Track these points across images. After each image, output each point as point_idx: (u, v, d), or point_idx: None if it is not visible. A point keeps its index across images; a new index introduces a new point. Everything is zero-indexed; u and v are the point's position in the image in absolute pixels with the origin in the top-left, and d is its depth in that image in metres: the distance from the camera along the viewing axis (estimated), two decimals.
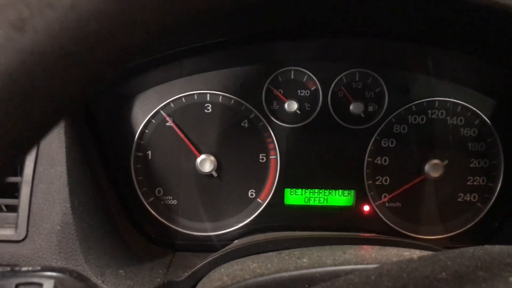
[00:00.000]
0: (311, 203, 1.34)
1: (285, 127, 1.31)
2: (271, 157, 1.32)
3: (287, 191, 1.34)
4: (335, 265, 0.80)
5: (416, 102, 1.31)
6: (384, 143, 1.33)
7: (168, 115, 1.28)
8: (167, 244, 1.31)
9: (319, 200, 1.34)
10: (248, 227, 1.34)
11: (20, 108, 0.34)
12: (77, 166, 1.03)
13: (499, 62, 1.20)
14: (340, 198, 1.34)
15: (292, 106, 1.29)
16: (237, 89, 1.29)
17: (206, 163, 1.27)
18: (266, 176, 1.33)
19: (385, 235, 1.25)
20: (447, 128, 1.32)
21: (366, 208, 1.35)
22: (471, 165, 1.34)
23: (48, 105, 0.36)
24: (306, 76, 1.30)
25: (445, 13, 0.99)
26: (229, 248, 1.03)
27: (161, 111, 1.28)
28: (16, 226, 0.96)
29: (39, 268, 0.67)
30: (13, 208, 0.99)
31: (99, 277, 0.95)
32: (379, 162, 1.34)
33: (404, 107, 1.31)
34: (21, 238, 0.95)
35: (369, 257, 0.86)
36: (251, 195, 1.33)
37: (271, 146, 1.32)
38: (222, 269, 0.91)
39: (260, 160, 1.32)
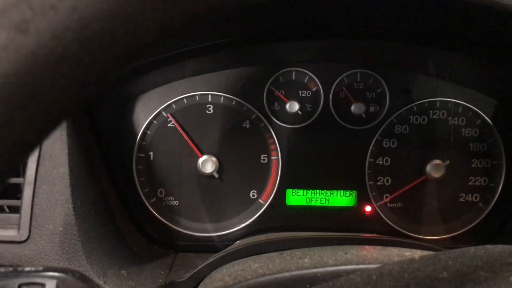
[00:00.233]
0: (313, 203, 1.34)
1: (286, 128, 1.31)
2: (272, 157, 1.32)
3: (289, 191, 1.34)
4: (336, 265, 0.80)
5: (417, 103, 1.31)
6: (386, 144, 1.33)
7: (171, 115, 1.28)
8: (169, 245, 1.31)
9: (321, 200, 1.34)
10: (250, 227, 1.34)
11: (22, 110, 0.34)
12: (79, 167, 1.03)
13: (500, 62, 1.20)
14: (341, 198, 1.34)
15: (293, 106, 1.29)
16: (238, 90, 1.29)
17: (207, 164, 1.28)
18: (267, 177, 1.33)
19: (386, 235, 1.26)
20: (448, 129, 1.32)
21: (368, 208, 1.35)
22: (473, 165, 1.34)
23: (50, 106, 0.36)
24: (307, 77, 1.30)
25: (446, 13, 1.00)
26: (230, 249, 1.03)
27: (163, 112, 1.28)
28: (18, 227, 0.96)
29: (41, 268, 0.67)
30: (16, 209, 0.99)
31: (101, 278, 0.95)
32: (380, 162, 1.34)
33: (405, 108, 1.31)
34: (23, 239, 0.95)
35: (370, 257, 0.86)
36: (253, 196, 1.33)
37: (272, 147, 1.32)
38: (224, 270, 0.91)
39: (262, 161, 1.32)
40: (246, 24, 1.13)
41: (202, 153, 1.29)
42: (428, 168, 1.31)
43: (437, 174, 1.30)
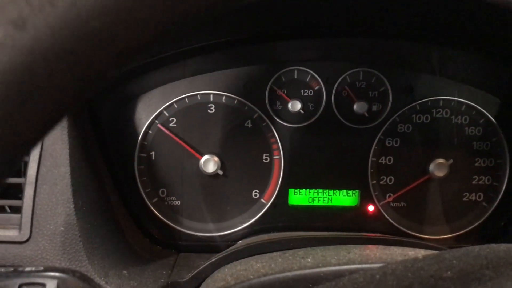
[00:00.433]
0: (315, 203, 1.34)
1: (288, 127, 1.31)
2: (274, 157, 1.32)
3: (291, 191, 1.33)
4: (339, 264, 0.79)
5: (420, 101, 1.31)
6: (389, 143, 1.32)
7: (163, 124, 1.28)
8: (171, 245, 1.31)
9: (323, 200, 1.34)
10: (252, 227, 1.33)
11: (20, 107, 0.34)
12: (80, 167, 1.03)
13: (504, 60, 1.19)
14: (344, 198, 1.34)
15: (295, 106, 1.29)
16: (240, 89, 1.29)
17: (209, 164, 1.27)
18: (269, 176, 1.33)
19: (389, 235, 1.25)
20: (451, 127, 1.32)
21: (371, 208, 1.34)
22: (476, 164, 1.33)
23: (49, 104, 0.35)
24: (309, 76, 1.30)
25: (451, 11, 0.99)
26: (233, 249, 1.03)
27: (165, 112, 1.28)
28: (19, 227, 0.96)
29: (42, 268, 0.67)
30: (17, 209, 0.99)
31: (102, 278, 0.95)
32: (383, 161, 1.33)
33: (408, 106, 1.31)
34: (24, 239, 0.95)
35: (373, 256, 0.85)
36: (255, 195, 1.33)
37: (274, 146, 1.31)
38: (226, 269, 0.90)
39: (264, 160, 1.32)
40: (248, 23, 1.12)
41: (202, 154, 1.28)
42: (431, 167, 1.30)
43: (440, 173, 1.29)
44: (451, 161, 1.30)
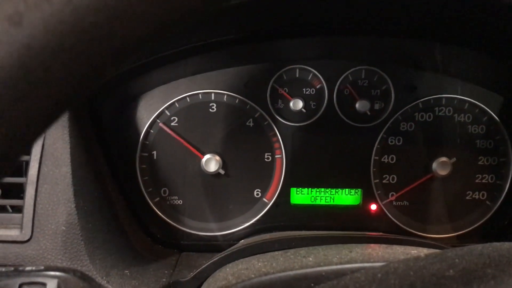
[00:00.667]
0: (318, 202, 1.33)
1: (290, 126, 1.31)
2: (276, 156, 1.31)
3: (293, 190, 1.33)
4: (341, 263, 0.79)
5: (423, 100, 1.30)
6: (391, 141, 1.32)
7: (164, 123, 1.28)
8: (172, 244, 1.31)
9: (326, 199, 1.33)
10: (254, 227, 1.33)
11: (17, 104, 0.34)
12: (81, 167, 1.02)
13: (507, 58, 1.18)
14: (346, 197, 1.33)
15: (297, 104, 1.28)
16: (241, 88, 1.28)
17: (211, 163, 1.27)
18: (271, 175, 1.32)
19: (392, 234, 1.24)
20: (454, 126, 1.31)
21: (373, 207, 1.34)
22: (480, 163, 1.32)
23: (46, 100, 0.35)
24: (311, 74, 1.29)
25: (452, 8, 0.98)
26: (234, 248, 1.03)
27: (166, 111, 1.28)
28: (21, 227, 0.96)
29: (42, 267, 0.67)
30: (18, 209, 0.99)
31: (104, 278, 0.95)
32: (386, 160, 1.32)
33: (410, 105, 1.30)
34: (26, 238, 0.95)
35: (375, 255, 0.85)
36: (257, 194, 1.33)
37: (276, 145, 1.31)
38: (227, 269, 0.90)
39: (266, 160, 1.31)
40: (249, 21, 1.12)
41: (204, 154, 1.28)
42: (434, 165, 1.29)
43: (443, 172, 1.29)
44: (454, 159, 1.30)
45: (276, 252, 0.92)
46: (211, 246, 1.31)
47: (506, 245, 0.54)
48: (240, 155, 1.31)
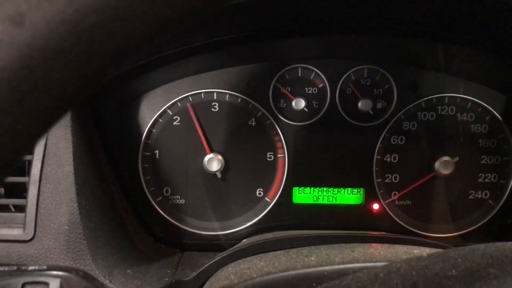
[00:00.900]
0: (320, 201, 1.33)
1: (292, 125, 1.30)
2: (278, 155, 1.31)
3: (295, 189, 1.33)
4: (343, 263, 0.79)
5: (425, 99, 1.30)
6: (394, 141, 1.32)
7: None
8: (175, 244, 1.31)
9: (328, 198, 1.33)
10: (256, 226, 1.33)
11: (19, 104, 0.34)
12: (84, 166, 1.03)
13: (510, 56, 1.18)
14: (349, 196, 1.33)
15: (299, 104, 1.28)
16: (244, 88, 1.28)
17: (213, 162, 1.27)
18: (274, 175, 1.32)
19: (395, 233, 1.24)
20: (457, 125, 1.31)
21: (376, 206, 1.33)
22: (482, 162, 1.32)
23: (48, 100, 0.35)
24: (313, 74, 1.29)
25: (454, 7, 0.98)
26: (237, 247, 1.03)
27: (168, 110, 1.28)
28: (24, 226, 0.96)
29: (45, 267, 0.67)
30: (21, 208, 0.99)
31: (106, 277, 0.95)
32: (388, 159, 1.32)
33: (413, 104, 1.30)
34: (29, 238, 0.95)
35: (377, 255, 0.85)
36: (259, 194, 1.32)
37: (278, 144, 1.31)
38: (230, 268, 0.90)
39: (268, 159, 1.31)
40: (251, 20, 1.12)
41: (211, 151, 1.28)
42: (437, 165, 1.29)
43: (446, 171, 1.28)
44: (457, 158, 1.29)
45: (278, 252, 0.92)
46: (213, 245, 1.31)
47: (509, 244, 0.54)
48: (242, 155, 1.31)
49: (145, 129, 1.28)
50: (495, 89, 1.30)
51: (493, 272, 0.47)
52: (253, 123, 1.30)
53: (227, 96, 1.28)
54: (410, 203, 1.34)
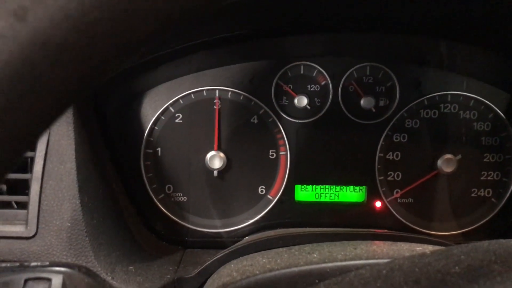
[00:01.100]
0: (322, 199, 1.33)
1: (295, 123, 1.30)
2: (281, 153, 1.31)
3: (298, 187, 1.33)
4: (346, 260, 0.79)
5: (428, 96, 1.29)
6: (396, 138, 1.31)
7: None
8: (177, 241, 1.31)
9: (330, 196, 1.33)
10: (258, 223, 1.33)
11: (22, 99, 0.34)
12: (86, 163, 1.03)
13: None
14: (351, 194, 1.33)
15: (301, 101, 1.28)
16: (246, 85, 1.28)
17: (215, 160, 1.27)
18: (276, 172, 1.32)
19: (397, 231, 1.24)
20: (460, 122, 1.30)
21: (378, 204, 1.33)
22: (485, 160, 1.32)
23: (50, 96, 0.35)
24: (315, 71, 1.29)
25: (457, 5, 0.98)
26: (239, 245, 1.03)
27: (170, 108, 1.28)
28: (26, 223, 0.96)
29: (47, 263, 0.67)
30: (23, 205, 0.99)
31: (109, 274, 0.95)
32: (391, 157, 1.32)
33: (416, 101, 1.30)
34: (31, 234, 0.95)
35: (380, 252, 0.85)
36: (261, 191, 1.32)
37: (281, 142, 1.31)
38: (232, 265, 0.90)
39: (270, 156, 1.31)
40: (254, 18, 1.12)
41: (219, 148, 1.28)
42: (440, 162, 1.29)
43: (448, 169, 1.28)
44: (459, 156, 1.29)
45: (281, 249, 0.92)
46: (215, 243, 1.31)
47: None
48: (245, 152, 1.30)
49: (147, 126, 1.28)
50: (498, 87, 1.30)
51: (497, 268, 0.47)
52: (255, 121, 1.30)
53: (229, 93, 1.28)
54: (413, 201, 1.33)
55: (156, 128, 1.29)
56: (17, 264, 0.67)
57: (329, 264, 0.77)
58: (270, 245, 0.97)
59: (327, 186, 1.33)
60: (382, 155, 1.31)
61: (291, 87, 1.29)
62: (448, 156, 1.28)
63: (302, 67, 1.29)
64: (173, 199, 1.32)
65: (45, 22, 0.32)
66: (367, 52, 1.28)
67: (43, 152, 0.98)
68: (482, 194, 1.33)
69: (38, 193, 0.97)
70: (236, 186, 1.32)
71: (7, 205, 1.03)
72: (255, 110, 1.29)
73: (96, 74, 0.37)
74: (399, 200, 1.34)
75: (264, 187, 1.32)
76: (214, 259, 0.98)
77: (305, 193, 1.33)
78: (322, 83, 1.30)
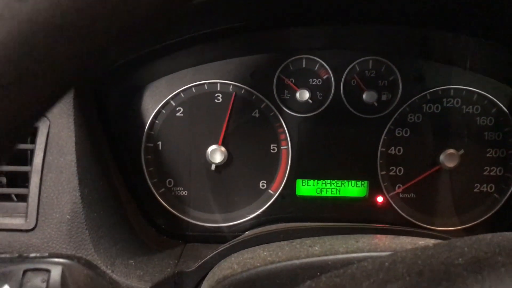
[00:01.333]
0: (323, 194, 1.32)
1: (296, 117, 1.29)
2: (282, 147, 1.30)
3: (299, 182, 1.32)
4: (347, 253, 0.78)
5: (430, 91, 1.29)
6: (398, 133, 1.31)
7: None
8: (177, 235, 1.30)
9: (332, 191, 1.32)
10: (259, 218, 1.32)
11: (21, 81, 0.33)
12: (86, 156, 1.02)
13: None
14: (353, 189, 1.32)
15: (303, 95, 1.27)
16: (247, 79, 1.27)
17: (216, 154, 1.26)
18: (277, 167, 1.31)
19: (399, 226, 1.24)
20: (462, 117, 1.29)
21: (380, 199, 1.33)
22: (488, 155, 1.31)
23: (50, 77, 0.34)
24: (318, 65, 1.28)
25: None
26: (239, 239, 1.02)
27: (171, 101, 1.27)
28: (26, 216, 0.95)
29: (46, 254, 0.66)
30: (23, 198, 0.98)
31: (109, 267, 0.95)
32: (393, 152, 1.31)
33: (418, 96, 1.29)
34: (31, 227, 0.94)
35: (382, 245, 0.84)
36: (262, 186, 1.32)
37: (282, 136, 1.30)
38: (233, 258, 0.90)
39: (271, 151, 1.31)
40: (255, 9, 1.11)
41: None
42: (442, 157, 1.28)
43: (451, 164, 1.27)
44: (462, 151, 1.28)
45: (282, 242, 0.92)
46: (216, 237, 1.31)
47: None
48: (246, 146, 1.30)
49: (148, 120, 1.27)
50: (501, 82, 1.29)
51: (501, 260, 0.47)
52: (257, 115, 1.29)
53: (231, 87, 1.28)
54: (415, 196, 1.33)
55: (157, 121, 1.28)
56: (16, 255, 0.66)
57: (331, 257, 0.76)
58: (271, 239, 0.96)
59: (328, 181, 1.32)
60: (384, 149, 1.31)
61: (293, 81, 1.29)
62: (451, 151, 1.28)
63: (304, 60, 1.28)
64: (173, 193, 1.31)
65: (44, 2, 0.32)
66: (369, 45, 1.27)
67: (43, 145, 0.98)
68: (485, 189, 1.32)
69: (38, 185, 0.96)
70: (237, 180, 1.31)
71: (7, 197, 1.03)
72: (256, 104, 1.29)
73: (96, 56, 0.36)
74: (401, 195, 1.33)
75: (265, 181, 1.32)
76: (214, 253, 0.97)
77: (306, 188, 1.32)
78: (324, 77, 1.29)
